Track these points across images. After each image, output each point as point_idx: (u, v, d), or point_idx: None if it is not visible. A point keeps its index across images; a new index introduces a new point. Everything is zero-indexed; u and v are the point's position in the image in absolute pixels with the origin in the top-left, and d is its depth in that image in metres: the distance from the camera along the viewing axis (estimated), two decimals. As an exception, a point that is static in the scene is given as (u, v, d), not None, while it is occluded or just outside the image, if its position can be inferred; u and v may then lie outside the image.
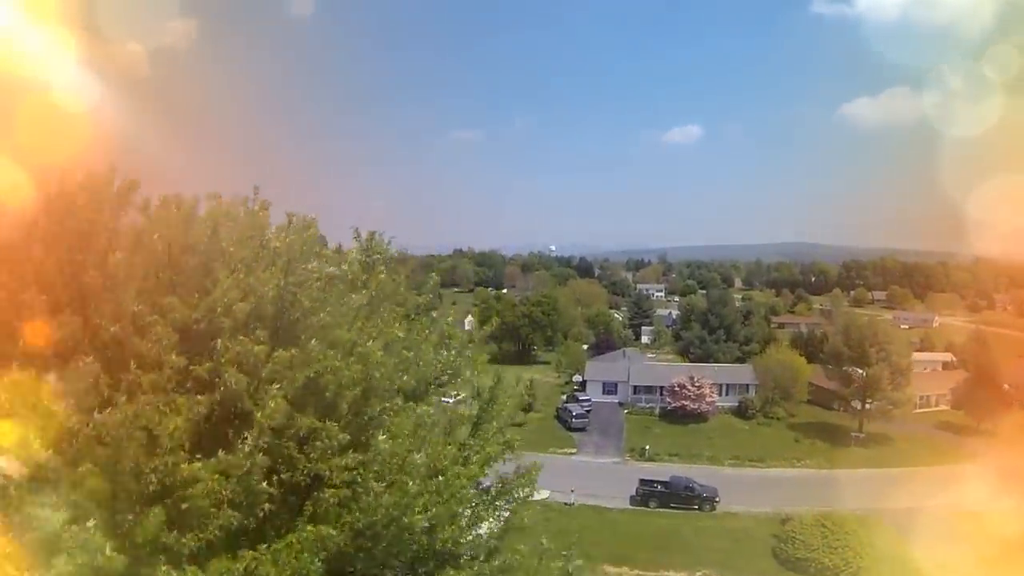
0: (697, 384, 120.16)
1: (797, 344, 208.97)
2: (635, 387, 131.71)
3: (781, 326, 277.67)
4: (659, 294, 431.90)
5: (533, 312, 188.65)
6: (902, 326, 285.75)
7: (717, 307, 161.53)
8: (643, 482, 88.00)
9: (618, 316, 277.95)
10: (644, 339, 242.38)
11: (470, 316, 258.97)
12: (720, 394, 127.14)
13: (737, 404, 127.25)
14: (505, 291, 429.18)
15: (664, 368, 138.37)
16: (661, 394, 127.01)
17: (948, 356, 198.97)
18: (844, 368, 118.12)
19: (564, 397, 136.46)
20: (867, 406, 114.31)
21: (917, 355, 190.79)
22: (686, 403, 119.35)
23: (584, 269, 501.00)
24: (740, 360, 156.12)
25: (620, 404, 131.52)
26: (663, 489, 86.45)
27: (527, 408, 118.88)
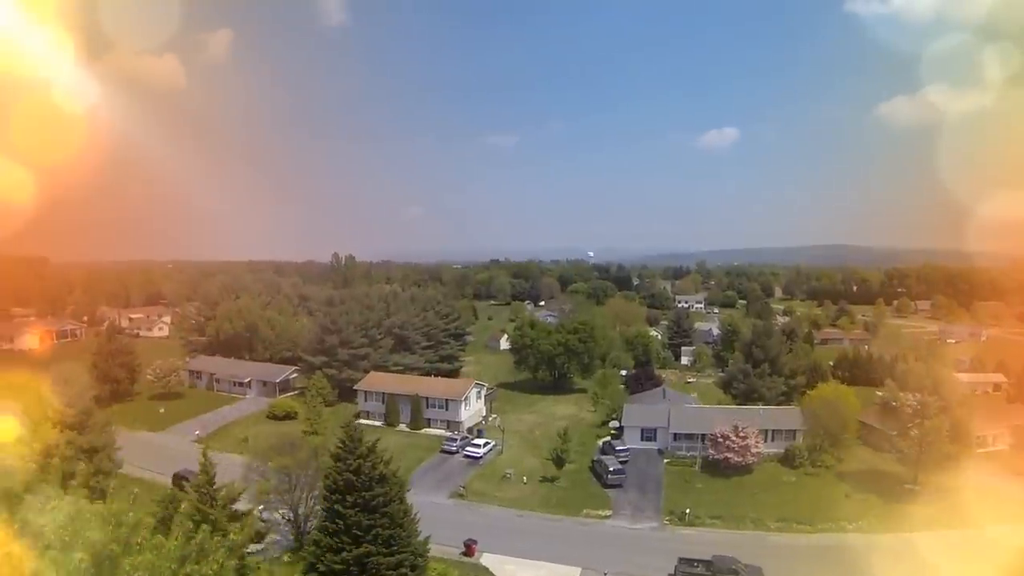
0: (741, 434, 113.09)
1: (842, 366, 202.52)
2: (675, 434, 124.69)
3: (824, 342, 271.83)
4: (699, 305, 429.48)
5: (569, 340, 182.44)
6: (949, 341, 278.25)
7: (761, 339, 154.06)
8: (682, 561, 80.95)
9: (656, 334, 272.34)
10: (684, 360, 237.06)
11: (505, 335, 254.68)
12: (765, 440, 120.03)
13: (783, 451, 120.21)
14: (543, 303, 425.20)
15: (706, 413, 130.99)
16: (702, 441, 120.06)
17: (999, 377, 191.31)
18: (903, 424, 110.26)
19: (600, 443, 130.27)
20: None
21: (966, 376, 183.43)
22: (730, 456, 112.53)
23: (622, 280, 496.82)
24: (786, 395, 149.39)
25: (659, 452, 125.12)
26: (704, 572, 79.28)
27: (559, 462, 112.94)
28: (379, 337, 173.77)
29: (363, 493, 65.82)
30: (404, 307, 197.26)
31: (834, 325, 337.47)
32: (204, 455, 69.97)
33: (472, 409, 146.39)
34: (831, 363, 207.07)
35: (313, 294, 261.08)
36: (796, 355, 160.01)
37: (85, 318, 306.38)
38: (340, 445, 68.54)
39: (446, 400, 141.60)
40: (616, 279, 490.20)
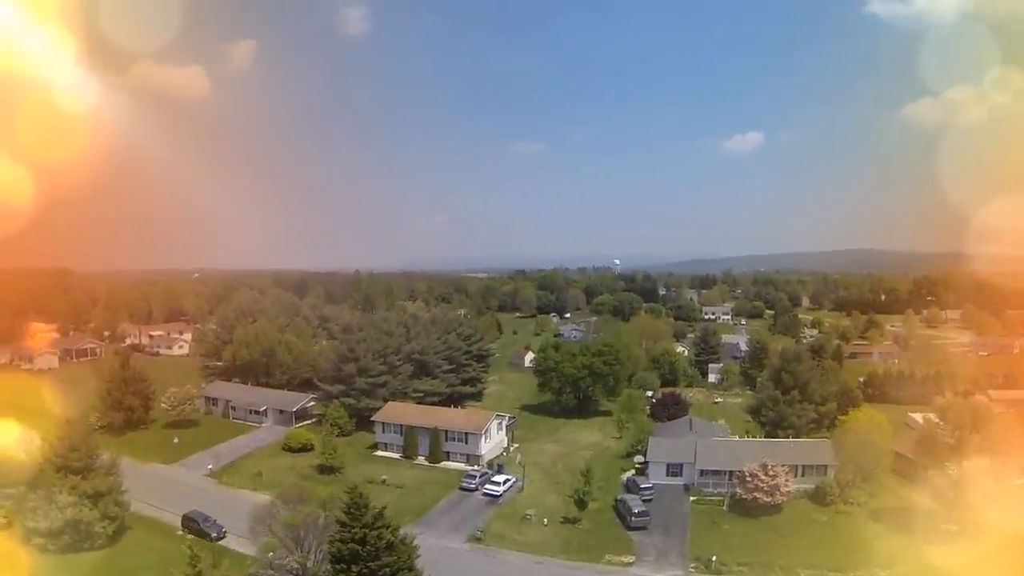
0: (771, 473, 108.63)
1: (873, 384, 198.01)
2: (702, 470, 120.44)
3: (853, 356, 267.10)
4: (726, 317, 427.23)
5: (594, 363, 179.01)
6: (980, 353, 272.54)
7: (791, 364, 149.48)
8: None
9: (683, 350, 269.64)
10: (711, 377, 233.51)
11: (530, 352, 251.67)
12: (796, 475, 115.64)
13: (814, 487, 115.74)
14: (568, 315, 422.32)
15: (734, 447, 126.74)
16: (730, 478, 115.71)
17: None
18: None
19: (624, 479, 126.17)
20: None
21: (998, 393, 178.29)
22: (758, 495, 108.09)
23: (648, 291, 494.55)
24: (816, 422, 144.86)
25: (685, 488, 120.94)
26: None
27: (582, 504, 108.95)
28: (398, 363, 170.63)
29: (369, 563, 62.30)
30: (425, 330, 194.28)
31: (863, 337, 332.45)
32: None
33: (493, 441, 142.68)
34: (861, 379, 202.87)
35: (333, 315, 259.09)
36: (826, 380, 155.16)
37: (107, 333, 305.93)
38: (345, 510, 65.07)
39: (466, 433, 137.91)
40: (642, 290, 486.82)
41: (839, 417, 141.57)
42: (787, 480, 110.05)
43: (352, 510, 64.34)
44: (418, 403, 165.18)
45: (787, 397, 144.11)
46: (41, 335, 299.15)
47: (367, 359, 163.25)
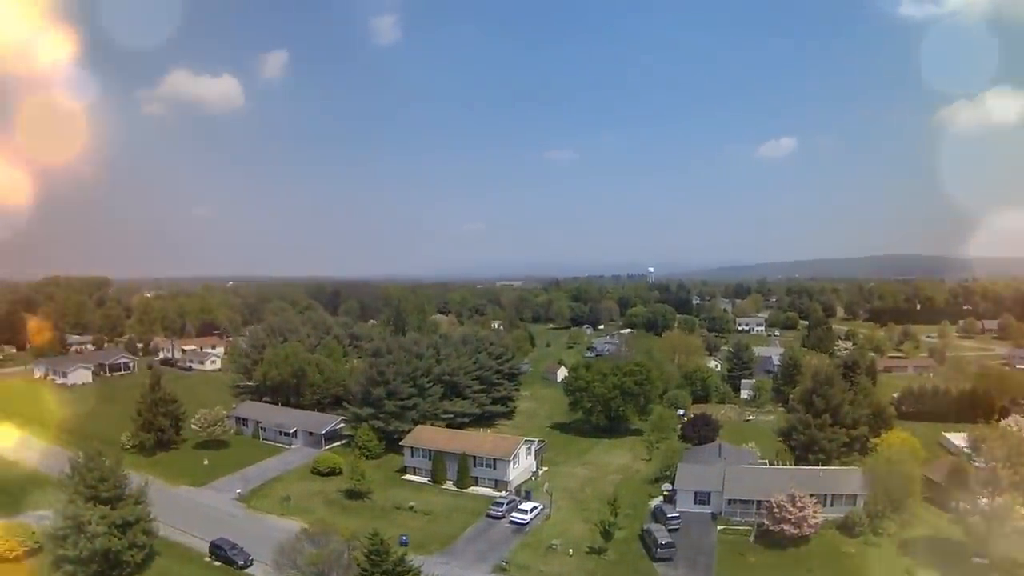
0: (799, 505, 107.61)
1: (907, 400, 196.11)
2: (730, 500, 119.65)
3: (888, 369, 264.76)
4: (759, 328, 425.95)
5: (625, 383, 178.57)
6: (1019, 366, 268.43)
7: (823, 388, 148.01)
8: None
9: (716, 365, 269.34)
10: (743, 393, 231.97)
11: (562, 368, 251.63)
12: (824, 504, 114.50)
13: (843, 516, 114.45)
14: (602, 327, 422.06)
15: (763, 476, 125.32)
16: (758, 507, 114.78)
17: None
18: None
19: (652, 507, 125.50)
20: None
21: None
22: (786, 527, 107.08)
23: (682, 302, 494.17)
24: (847, 445, 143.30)
25: (713, 516, 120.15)
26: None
27: (608, 535, 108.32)
28: (428, 386, 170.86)
29: (391, 608, 62.36)
30: (455, 350, 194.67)
31: (898, 350, 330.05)
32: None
33: (521, 466, 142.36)
34: (895, 395, 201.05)
35: (364, 333, 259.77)
36: (858, 403, 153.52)
37: (140, 345, 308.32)
38: (367, 554, 65.19)
39: (494, 459, 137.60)
40: (676, 301, 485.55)
41: (871, 439, 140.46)
42: (815, 511, 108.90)
43: (373, 556, 64.41)
44: (448, 424, 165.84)
45: (818, 421, 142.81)
46: (77, 347, 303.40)
47: (397, 382, 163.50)
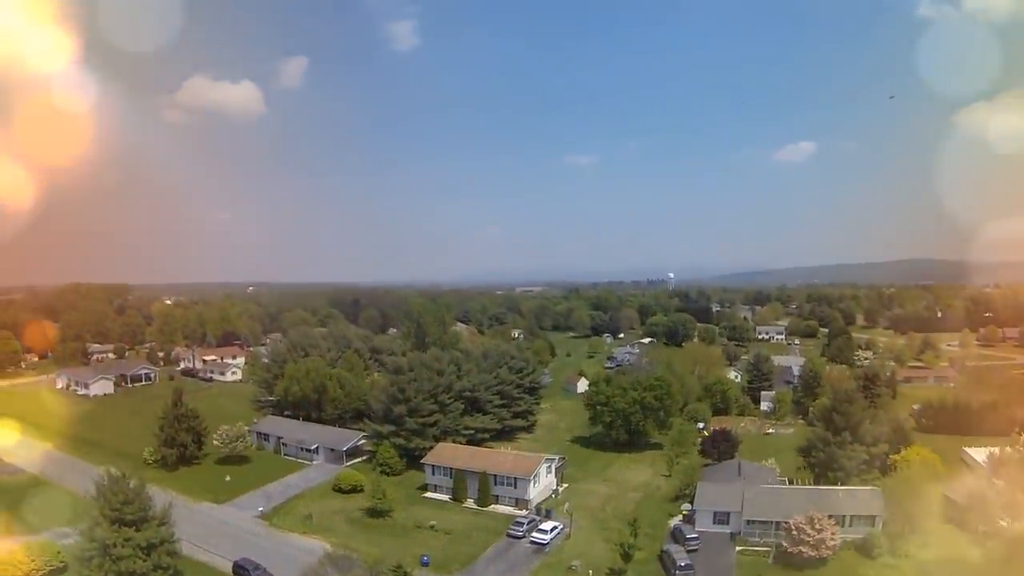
0: (817, 527, 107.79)
1: (927, 413, 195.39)
2: (749, 520, 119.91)
3: (908, 380, 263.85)
4: (779, 336, 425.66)
5: (645, 398, 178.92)
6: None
7: (842, 406, 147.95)
8: None
9: (736, 376, 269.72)
10: (763, 405, 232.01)
11: (582, 379, 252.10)
12: (843, 525, 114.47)
13: (862, 538, 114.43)
14: (622, 335, 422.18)
15: (782, 496, 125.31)
16: (777, 528, 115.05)
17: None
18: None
19: (671, 526, 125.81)
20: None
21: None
22: (804, 549, 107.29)
23: (701, 310, 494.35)
24: (867, 463, 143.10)
25: (732, 536, 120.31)
26: None
27: (627, 557, 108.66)
28: (449, 402, 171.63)
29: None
30: (476, 365, 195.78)
31: (918, 359, 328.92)
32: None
33: (542, 484, 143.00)
34: (915, 407, 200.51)
35: (384, 346, 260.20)
36: (878, 420, 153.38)
37: (161, 355, 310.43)
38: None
39: (515, 478, 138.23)
40: (696, 310, 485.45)
41: (891, 456, 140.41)
42: (833, 532, 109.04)
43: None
44: (469, 440, 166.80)
45: (838, 439, 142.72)
46: (98, 355, 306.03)
47: (418, 400, 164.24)
